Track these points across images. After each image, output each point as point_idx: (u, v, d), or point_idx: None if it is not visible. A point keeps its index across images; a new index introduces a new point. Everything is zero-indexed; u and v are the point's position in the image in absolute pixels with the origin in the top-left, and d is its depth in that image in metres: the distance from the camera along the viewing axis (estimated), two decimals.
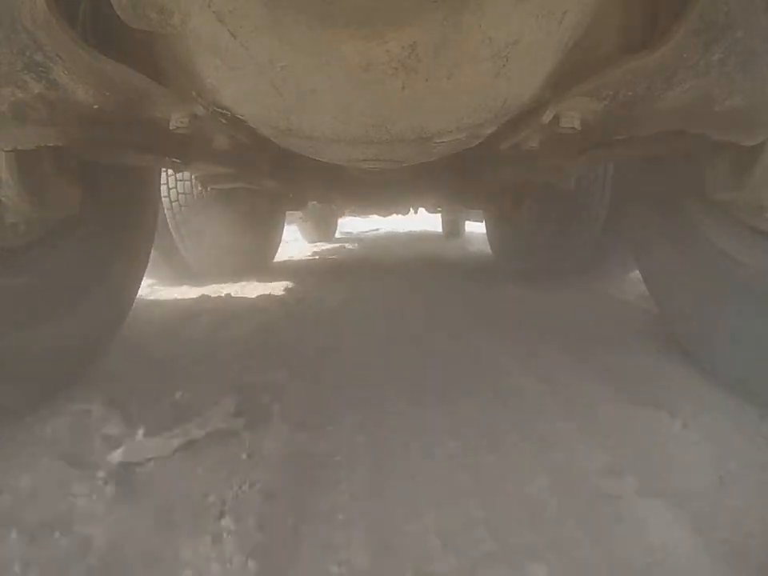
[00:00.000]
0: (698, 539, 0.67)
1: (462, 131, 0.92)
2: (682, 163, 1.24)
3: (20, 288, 1.03)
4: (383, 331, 1.70)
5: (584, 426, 0.98)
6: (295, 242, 5.19)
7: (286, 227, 3.53)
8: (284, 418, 1.03)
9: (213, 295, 2.21)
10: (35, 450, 0.89)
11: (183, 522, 0.71)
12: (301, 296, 2.28)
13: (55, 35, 0.69)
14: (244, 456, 0.89)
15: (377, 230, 7.45)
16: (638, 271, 1.66)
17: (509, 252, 2.99)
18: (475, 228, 5.68)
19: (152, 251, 2.22)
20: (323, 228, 5.58)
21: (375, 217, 4.72)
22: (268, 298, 2.24)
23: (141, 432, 0.93)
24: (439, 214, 5.18)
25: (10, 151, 0.91)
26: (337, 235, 6.31)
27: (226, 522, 0.71)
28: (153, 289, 2.39)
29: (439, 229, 6.48)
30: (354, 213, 4.41)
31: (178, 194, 2.21)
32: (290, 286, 2.50)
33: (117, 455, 0.86)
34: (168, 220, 2.26)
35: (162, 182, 2.17)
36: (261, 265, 2.92)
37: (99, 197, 1.27)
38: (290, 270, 3.22)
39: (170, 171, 2.18)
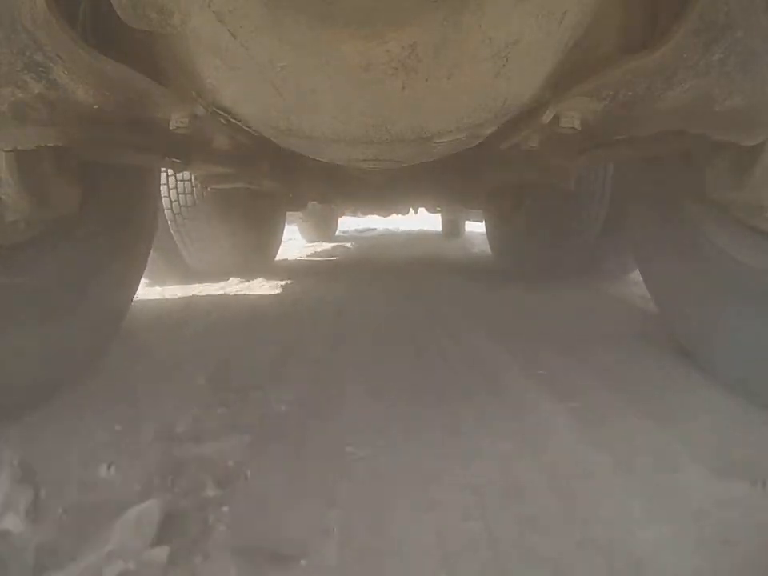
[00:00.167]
0: None
1: (461, 131, 0.92)
2: (682, 163, 1.23)
3: (19, 286, 1.03)
4: (382, 333, 1.69)
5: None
6: (293, 242, 5.17)
7: (285, 227, 3.53)
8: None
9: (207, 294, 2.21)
10: None
11: None
12: (298, 296, 2.27)
13: (55, 35, 0.69)
14: None
15: (373, 229, 7.32)
16: (637, 271, 1.66)
17: (509, 252, 2.99)
18: (475, 228, 5.67)
19: (153, 252, 2.23)
20: (323, 228, 5.59)
21: (374, 216, 4.70)
22: (267, 299, 2.24)
23: None
24: (438, 214, 5.18)
25: (10, 150, 0.91)
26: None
27: None
28: (158, 289, 2.38)
29: (438, 228, 6.47)
30: (354, 213, 4.41)
31: (178, 194, 2.21)
32: (289, 287, 2.50)
33: None
34: (169, 221, 2.26)
35: (162, 183, 2.17)
36: (261, 265, 2.92)
37: (98, 195, 1.27)
38: (290, 270, 3.22)
39: (171, 172, 2.18)
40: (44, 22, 0.68)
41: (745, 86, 0.78)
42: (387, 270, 3.25)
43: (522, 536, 0.66)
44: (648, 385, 1.18)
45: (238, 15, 0.64)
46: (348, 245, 5.24)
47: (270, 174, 1.73)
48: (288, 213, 3.38)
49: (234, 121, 0.99)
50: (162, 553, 0.60)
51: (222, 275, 2.54)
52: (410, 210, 3.46)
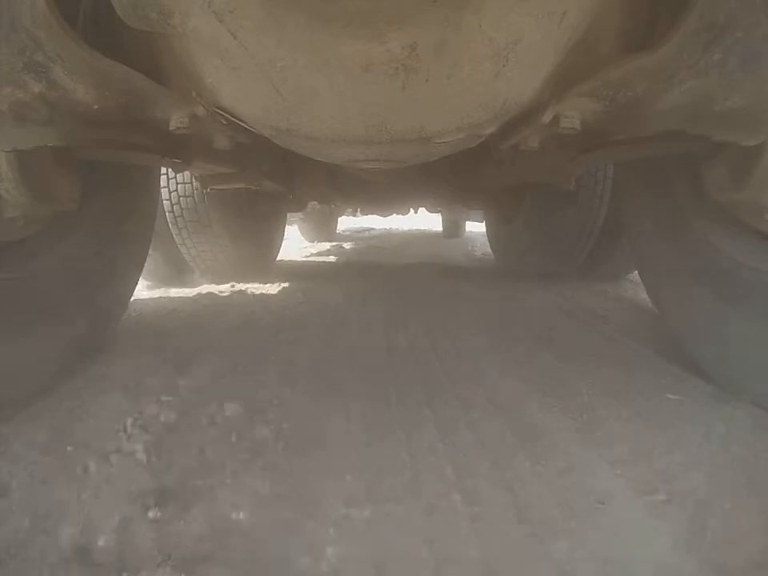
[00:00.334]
0: None
1: (462, 131, 0.92)
2: (682, 163, 1.23)
3: (17, 282, 1.04)
4: (380, 336, 1.67)
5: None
6: (287, 241, 5.06)
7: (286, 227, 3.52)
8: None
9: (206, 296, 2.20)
10: None
11: None
12: (301, 299, 2.26)
13: (55, 35, 0.69)
14: None
15: (371, 229, 7.16)
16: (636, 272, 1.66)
17: (509, 252, 2.99)
18: (475, 228, 5.65)
19: (154, 254, 2.24)
20: (323, 228, 5.59)
21: (372, 216, 4.66)
22: (267, 301, 2.23)
23: None
24: (437, 214, 5.18)
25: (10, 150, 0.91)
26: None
27: None
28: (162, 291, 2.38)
29: (437, 227, 6.45)
30: (354, 213, 4.41)
31: (179, 197, 2.21)
32: (288, 289, 2.49)
33: None
34: (169, 222, 2.26)
35: (163, 186, 2.17)
36: (263, 266, 2.92)
37: (98, 191, 1.28)
38: (290, 270, 3.20)
39: (172, 174, 2.18)
40: (44, 21, 0.68)
41: (745, 85, 0.78)
42: (385, 276, 3.02)
43: None
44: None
45: (238, 15, 0.64)
46: (347, 245, 5.21)
47: (270, 175, 1.73)
48: (288, 213, 3.38)
49: (234, 121, 0.99)
50: None
51: (223, 276, 2.54)
52: (410, 209, 3.46)
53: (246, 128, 1.03)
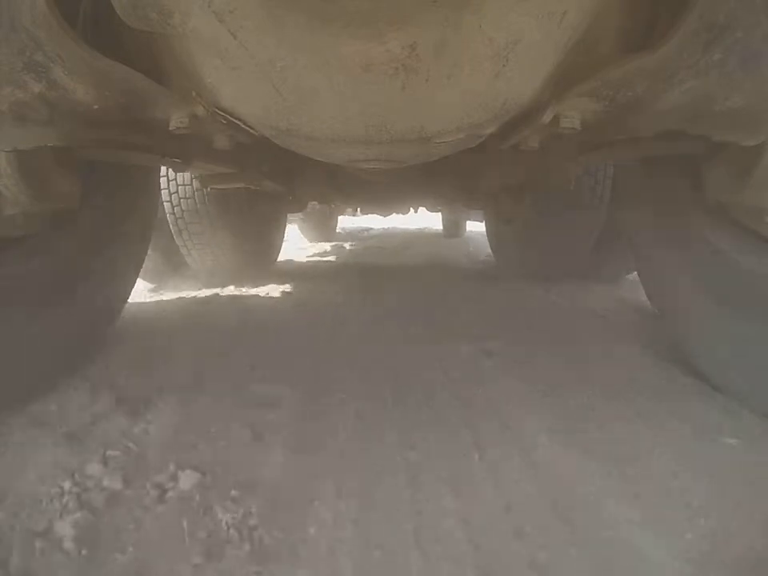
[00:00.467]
0: None
1: (461, 131, 0.92)
2: (683, 164, 1.23)
3: (16, 278, 1.04)
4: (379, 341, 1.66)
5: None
6: (288, 243, 4.99)
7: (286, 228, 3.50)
8: None
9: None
10: None
11: None
12: (303, 299, 2.25)
13: (55, 35, 0.69)
14: None
15: (369, 229, 7.07)
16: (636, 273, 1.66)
17: (509, 253, 2.99)
18: (475, 227, 5.63)
19: (157, 256, 2.24)
20: (323, 227, 5.59)
21: (371, 216, 4.62)
22: (267, 306, 2.23)
23: None
24: (436, 213, 5.16)
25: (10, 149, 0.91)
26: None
27: None
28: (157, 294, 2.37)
29: (437, 227, 6.43)
30: (354, 213, 4.40)
31: (180, 198, 2.21)
32: (288, 292, 2.48)
33: None
34: (170, 223, 2.26)
35: (163, 188, 2.17)
36: (263, 267, 2.92)
37: (97, 189, 1.28)
38: (290, 272, 3.19)
39: (172, 176, 2.18)
40: (44, 21, 0.67)
41: (745, 85, 0.78)
42: (386, 278, 2.91)
43: None
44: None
45: (238, 15, 0.64)
46: (346, 245, 5.18)
47: (270, 175, 1.73)
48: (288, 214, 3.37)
49: (234, 121, 0.99)
50: None
51: (224, 278, 2.53)
52: (410, 209, 3.45)
53: (245, 128, 1.03)
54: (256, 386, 1.21)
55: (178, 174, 2.15)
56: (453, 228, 5.98)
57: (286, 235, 3.40)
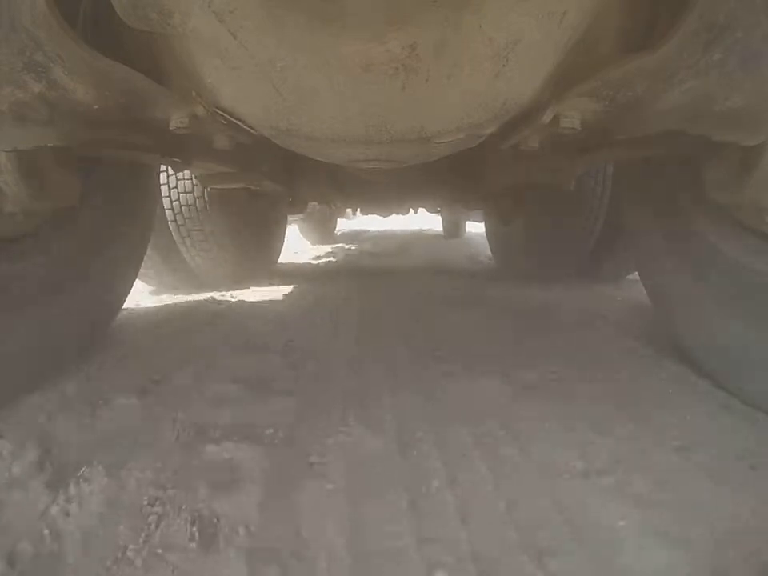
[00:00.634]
0: None
1: (461, 131, 0.92)
2: (683, 164, 1.23)
3: (14, 276, 1.04)
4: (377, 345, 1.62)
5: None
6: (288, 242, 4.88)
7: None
8: None
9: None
10: None
11: None
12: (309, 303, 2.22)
13: (55, 35, 0.69)
14: None
15: (366, 231, 6.96)
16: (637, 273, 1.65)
17: (508, 253, 2.99)
18: (474, 228, 5.61)
19: (157, 259, 2.24)
20: (322, 228, 5.60)
21: (369, 218, 4.60)
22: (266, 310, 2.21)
23: None
24: (437, 214, 5.15)
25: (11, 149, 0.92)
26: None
27: None
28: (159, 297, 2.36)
29: (436, 228, 6.41)
30: (354, 213, 4.40)
31: (180, 204, 2.21)
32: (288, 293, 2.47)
33: None
34: (170, 224, 2.26)
35: (164, 195, 2.17)
36: (264, 268, 2.92)
37: (97, 189, 1.28)
38: (291, 274, 3.17)
39: (173, 178, 2.18)
40: (44, 21, 0.67)
41: (745, 85, 0.78)
42: (381, 286, 2.68)
43: None
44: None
45: (238, 15, 0.64)
46: (347, 246, 5.17)
47: (270, 175, 1.73)
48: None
49: (233, 121, 0.99)
50: None
51: (225, 279, 2.53)
52: (410, 209, 3.45)
53: (245, 128, 1.03)
54: None
55: (179, 176, 2.16)
56: (453, 229, 5.98)
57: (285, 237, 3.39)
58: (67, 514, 0.75)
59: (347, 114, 0.85)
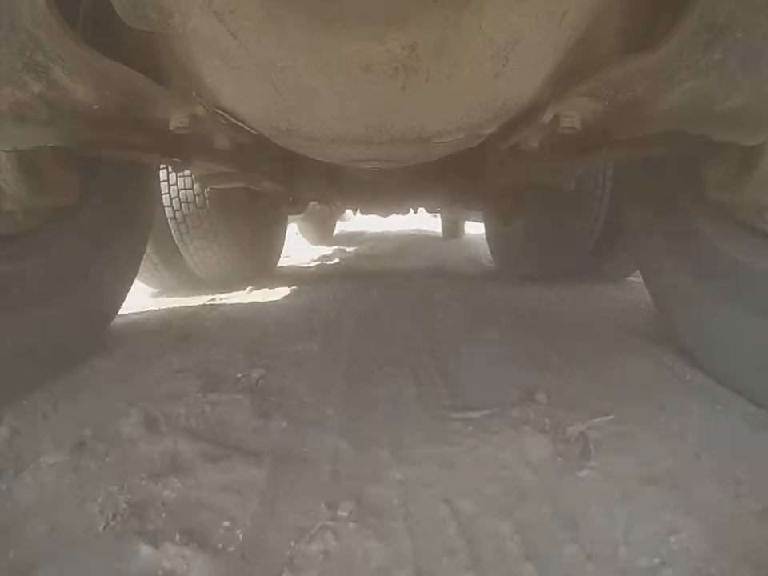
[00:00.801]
0: None
1: (461, 131, 0.92)
2: (683, 164, 1.24)
3: (13, 275, 1.04)
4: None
5: None
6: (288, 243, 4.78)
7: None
8: None
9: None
10: None
11: None
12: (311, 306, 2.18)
13: (55, 35, 0.69)
14: None
15: (363, 233, 6.83)
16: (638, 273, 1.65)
17: (508, 254, 2.99)
18: (474, 229, 5.60)
19: (157, 261, 2.24)
20: (322, 228, 5.60)
21: (366, 219, 4.57)
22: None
23: None
24: (437, 215, 5.14)
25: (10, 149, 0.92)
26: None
27: None
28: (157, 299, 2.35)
29: (434, 228, 6.39)
30: (353, 214, 4.40)
31: (180, 203, 2.21)
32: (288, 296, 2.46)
33: None
34: (171, 226, 2.26)
35: (164, 192, 2.17)
36: (265, 270, 2.92)
37: (97, 189, 1.28)
38: (289, 276, 3.15)
39: (173, 180, 2.17)
40: (44, 21, 0.68)
41: (745, 85, 0.78)
42: (381, 288, 2.55)
43: None
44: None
45: (238, 15, 0.64)
46: (345, 249, 5.13)
47: (270, 175, 1.73)
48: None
49: (233, 121, 0.99)
50: None
51: (226, 280, 2.53)
52: (410, 209, 3.45)
53: (245, 128, 1.03)
54: None
55: (179, 177, 2.16)
56: (452, 229, 5.96)
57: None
58: None
59: (347, 114, 0.85)
